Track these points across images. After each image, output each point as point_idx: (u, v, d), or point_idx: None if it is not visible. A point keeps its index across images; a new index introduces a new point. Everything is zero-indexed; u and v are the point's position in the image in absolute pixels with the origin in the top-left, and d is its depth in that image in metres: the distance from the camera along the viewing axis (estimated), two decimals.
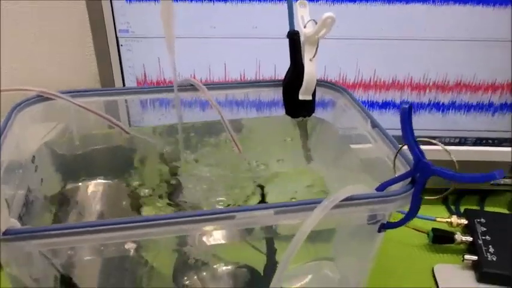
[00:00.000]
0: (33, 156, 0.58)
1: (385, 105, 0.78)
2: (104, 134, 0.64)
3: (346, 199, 0.41)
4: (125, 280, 0.57)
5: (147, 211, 0.61)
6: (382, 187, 0.44)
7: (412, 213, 0.43)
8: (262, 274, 0.58)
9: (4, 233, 0.37)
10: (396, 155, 0.46)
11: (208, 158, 0.64)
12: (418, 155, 0.42)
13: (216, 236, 0.46)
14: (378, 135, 0.52)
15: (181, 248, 0.54)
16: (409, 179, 0.44)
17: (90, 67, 0.94)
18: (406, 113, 0.41)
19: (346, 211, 0.42)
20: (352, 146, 0.58)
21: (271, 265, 0.57)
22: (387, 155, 0.49)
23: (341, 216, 0.43)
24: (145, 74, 0.75)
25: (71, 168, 0.62)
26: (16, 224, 0.39)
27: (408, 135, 0.42)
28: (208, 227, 0.41)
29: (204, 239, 0.46)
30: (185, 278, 0.59)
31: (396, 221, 0.46)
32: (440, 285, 0.67)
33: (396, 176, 0.44)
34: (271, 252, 0.56)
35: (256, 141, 0.65)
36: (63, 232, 0.38)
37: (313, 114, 0.63)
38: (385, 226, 0.46)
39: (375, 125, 0.53)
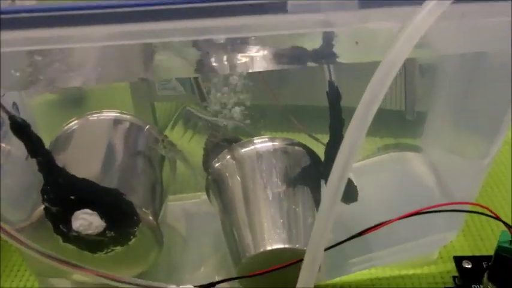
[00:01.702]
0: None
1: None
2: None
3: None
4: (137, 169, 0.42)
5: None
6: None
7: None
8: (322, 158, 0.41)
9: None
10: None
11: None
12: None
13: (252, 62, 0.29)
14: None
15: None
16: None
17: None
18: None
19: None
20: None
21: (336, 143, 0.39)
22: None
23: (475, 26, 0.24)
24: None
25: None
26: None
27: None
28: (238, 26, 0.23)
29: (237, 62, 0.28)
30: (215, 160, 0.42)
31: None
32: None
33: None
34: (336, 122, 0.38)
35: None
36: None
37: None
38: None
39: None
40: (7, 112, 0.28)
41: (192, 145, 0.45)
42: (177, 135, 0.44)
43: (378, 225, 0.30)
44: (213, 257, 0.45)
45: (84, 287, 0.41)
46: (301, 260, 0.28)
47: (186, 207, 0.51)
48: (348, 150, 0.24)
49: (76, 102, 0.45)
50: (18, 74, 0.24)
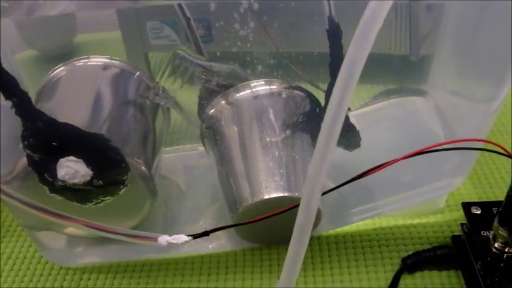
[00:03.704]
0: None
1: None
2: None
3: None
4: (127, 117, 0.39)
5: None
6: None
7: None
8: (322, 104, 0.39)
9: None
10: None
11: None
12: None
13: None
14: None
15: None
16: None
17: None
18: None
19: None
20: None
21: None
22: None
23: None
24: None
25: None
26: None
27: None
28: None
29: None
30: (209, 106, 0.40)
31: None
32: None
33: None
34: (336, 61, 0.35)
35: None
36: None
37: None
38: None
39: None
40: None
41: (186, 94, 0.42)
42: (169, 82, 0.42)
43: (380, 166, 0.27)
44: (212, 210, 0.44)
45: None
46: (298, 205, 0.26)
47: (184, 159, 0.49)
48: (344, 83, 0.22)
49: (64, 59, 0.43)
50: None
